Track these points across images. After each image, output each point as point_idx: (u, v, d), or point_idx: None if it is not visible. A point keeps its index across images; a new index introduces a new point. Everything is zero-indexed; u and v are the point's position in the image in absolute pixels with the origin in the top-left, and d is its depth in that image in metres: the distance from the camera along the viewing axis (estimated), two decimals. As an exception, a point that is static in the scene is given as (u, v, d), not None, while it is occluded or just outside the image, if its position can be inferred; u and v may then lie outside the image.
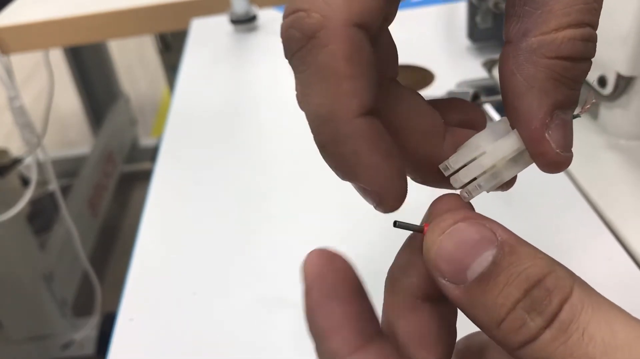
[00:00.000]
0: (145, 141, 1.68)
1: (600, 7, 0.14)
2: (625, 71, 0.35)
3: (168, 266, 0.34)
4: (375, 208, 0.15)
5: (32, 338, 1.04)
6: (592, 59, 0.15)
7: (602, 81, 0.37)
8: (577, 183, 0.36)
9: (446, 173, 0.15)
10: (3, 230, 0.88)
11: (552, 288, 0.12)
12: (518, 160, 0.15)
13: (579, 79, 0.14)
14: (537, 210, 0.34)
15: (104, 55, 1.50)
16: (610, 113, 0.39)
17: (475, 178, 0.15)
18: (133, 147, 1.63)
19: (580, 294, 0.12)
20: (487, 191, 0.15)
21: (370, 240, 0.33)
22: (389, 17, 0.15)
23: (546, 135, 0.14)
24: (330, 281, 0.14)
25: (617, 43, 0.35)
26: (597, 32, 0.14)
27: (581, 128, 0.40)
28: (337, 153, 0.14)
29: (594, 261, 0.30)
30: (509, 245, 0.13)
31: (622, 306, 0.13)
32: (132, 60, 2.30)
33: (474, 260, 0.12)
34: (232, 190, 0.40)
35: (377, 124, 0.14)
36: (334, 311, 0.13)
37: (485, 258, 0.12)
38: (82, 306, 1.13)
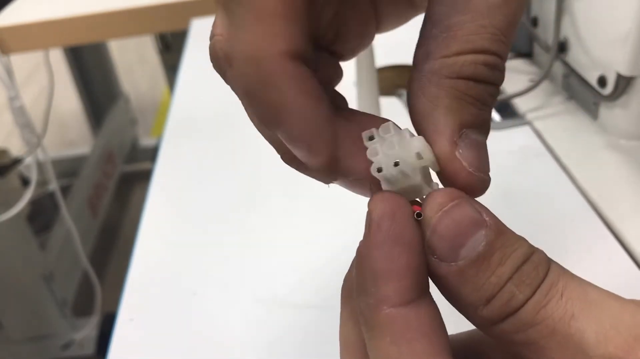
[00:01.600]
0: (145, 141, 1.68)
1: (510, 41, 0.14)
2: (625, 71, 0.35)
3: (168, 266, 0.34)
4: (307, 166, 0.15)
5: (32, 338, 1.04)
6: (502, 86, 0.14)
7: (602, 81, 0.37)
8: (577, 183, 0.36)
9: (368, 144, 0.14)
10: (3, 230, 0.88)
11: (537, 262, 0.13)
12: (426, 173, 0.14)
13: (485, 100, 0.14)
14: (537, 210, 0.34)
15: (104, 55, 1.50)
16: (610, 113, 0.39)
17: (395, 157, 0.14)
18: (133, 146, 1.62)
19: (557, 266, 0.13)
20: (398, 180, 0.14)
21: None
22: None
23: (456, 153, 0.14)
24: (401, 224, 0.13)
25: (617, 43, 0.35)
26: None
27: (581, 128, 0.40)
28: (262, 97, 0.13)
29: (594, 261, 0.30)
30: (498, 226, 0.13)
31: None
32: (132, 60, 2.30)
33: (469, 240, 0.12)
34: (232, 190, 0.40)
35: (307, 71, 0.13)
36: (399, 257, 0.13)
37: (479, 238, 0.12)
38: (82, 306, 1.13)
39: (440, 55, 0.14)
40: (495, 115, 0.43)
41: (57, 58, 1.35)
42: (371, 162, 0.14)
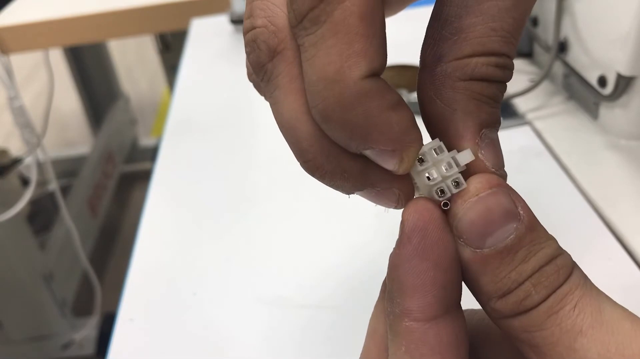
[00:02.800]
0: (145, 141, 1.68)
1: (518, 41, 0.14)
2: (625, 71, 0.35)
3: (168, 266, 0.34)
4: (395, 172, 0.14)
5: (32, 338, 1.04)
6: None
7: (602, 81, 0.37)
8: (577, 183, 0.36)
9: (420, 168, 0.14)
10: (3, 230, 0.88)
11: (560, 266, 0.12)
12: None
13: (498, 98, 0.14)
14: (537, 210, 0.34)
15: (104, 55, 1.49)
16: (610, 113, 0.39)
17: (448, 177, 0.14)
18: (133, 147, 1.62)
19: (579, 273, 0.13)
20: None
21: (369, 239, 0.33)
22: None
23: (480, 155, 0.14)
24: (431, 240, 0.13)
25: (617, 43, 0.35)
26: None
27: (581, 128, 0.40)
28: (346, 118, 0.13)
29: (594, 261, 0.30)
30: (530, 222, 0.13)
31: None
32: (132, 60, 2.30)
33: (498, 229, 0.12)
34: (232, 190, 0.40)
35: (383, 82, 0.13)
36: (426, 272, 0.13)
37: (509, 230, 0.12)
38: (81, 306, 1.13)
39: (452, 57, 0.14)
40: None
41: (57, 58, 1.35)
42: (430, 186, 0.14)
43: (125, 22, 0.73)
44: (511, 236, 0.12)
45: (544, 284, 0.12)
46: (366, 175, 0.14)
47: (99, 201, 1.33)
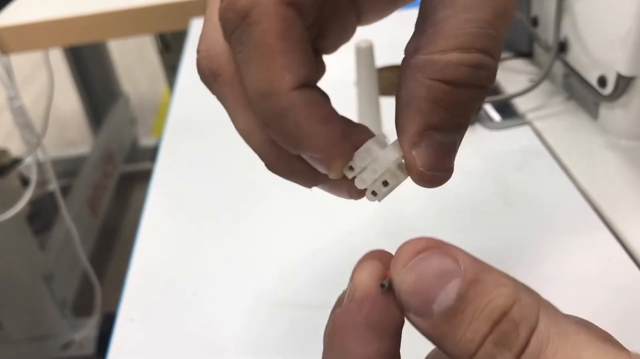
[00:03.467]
0: (145, 141, 1.68)
1: (500, 34, 0.14)
2: (625, 71, 0.35)
3: (168, 266, 0.34)
4: (329, 174, 0.16)
5: (32, 338, 1.04)
6: (491, 86, 0.14)
7: (602, 81, 0.37)
8: (577, 183, 0.36)
9: (349, 175, 0.16)
10: (3, 230, 0.88)
11: (518, 320, 0.11)
12: (404, 168, 0.15)
13: (463, 105, 0.14)
14: (537, 210, 0.34)
15: (104, 55, 1.49)
16: (610, 113, 0.39)
17: (376, 180, 0.16)
18: (133, 147, 1.62)
19: (547, 323, 0.12)
20: (386, 194, 0.16)
21: (369, 240, 0.33)
22: None
23: (413, 152, 0.14)
24: (381, 309, 0.13)
25: (617, 43, 0.35)
26: (495, 59, 0.14)
27: (581, 128, 0.40)
28: (280, 127, 0.14)
29: (594, 261, 0.30)
30: (473, 274, 0.12)
31: (621, 306, 0.12)
32: (132, 60, 2.30)
33: (439, 293, 0.12)
34: (232, 190, 0.40)
35: (315, 94, 0.14)
36: (371, 342, 0.13)
37: (450, 290, 0.12)
38: (82, 306, 1.13)
39: (426, 51, 0.14)
40: (495, 115, 0.43)
41: (57, 58, 1.35)
42: (365, 189, 0.16)
43: (125, 22, 0.73)
44: (454, 296, 0.12)
45: (505, 346, 0.11)
46: (314, 173, 0.16)
47: (99, 201, 1.33)
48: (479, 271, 0.12)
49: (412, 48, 0.14)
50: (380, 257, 0.14)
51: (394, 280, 0.13)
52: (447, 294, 0.12)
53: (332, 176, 0.15)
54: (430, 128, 0.14)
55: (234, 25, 0.14)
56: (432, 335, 0.12)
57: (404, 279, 0.12)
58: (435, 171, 0.15)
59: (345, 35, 0.18)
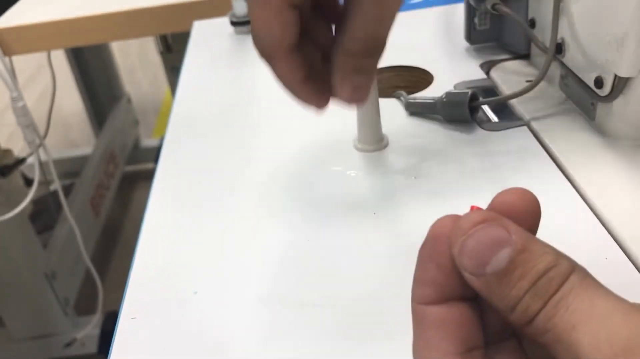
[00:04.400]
0: (147, 141, 1.69)
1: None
2: (622, 72, 0.35)
3: (169, 265, 0.34)
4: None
5: (35, 337, 1.05)
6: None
7: (599, 82, 0.38)
8: (574, 183, 0.36)
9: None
10: (6, 229, 0.89)
11: (553, 277, 0.14)
12: None
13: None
14: (534, 210, 0.34)
15: (106, 56, 1.50)
16: (607, 114, 0.39)
17: None
18: (135, 147, 1.63)
19: (574, 279, 0.14)
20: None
21: (369, 239, 0.34)
22: None
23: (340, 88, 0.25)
24: (439, 249, 0.16)
25: (614, 44, 0.35)
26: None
27: (578, 128, 0.41)
28: (256, 40, 0.24)
29: (591, 261, 0.30)
30: (522, 243, 0.15)
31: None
32: (134, 61, 2.30)
33: (491, 258, 0.15)
34: (233, 189, 0.40)
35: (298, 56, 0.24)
36: (429, 271, 0.17)
37: (503, 256, 0.15)
38: (84, 305, 1.13)
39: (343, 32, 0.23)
40: (492, 116, 0.43)
41: (60, 59, 1.36)
42: None
43: (127, 24, 0.74)
44: (505, 261, 0.14)
45: (538, 295, 0.14)
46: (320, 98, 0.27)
47: (101, 201, 1.34)
48: (527, 242, 0.15)
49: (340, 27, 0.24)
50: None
51: (454, 244, 0.16)
52: (499, 259, 0.15)
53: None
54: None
55: None
56: (483, 291, 0.15)
57: (465, 244, 0.15)
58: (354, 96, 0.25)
59: None
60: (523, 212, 0.16)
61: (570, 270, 0.14)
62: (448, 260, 0.16)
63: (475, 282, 0.15)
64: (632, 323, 0.13)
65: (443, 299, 0.16)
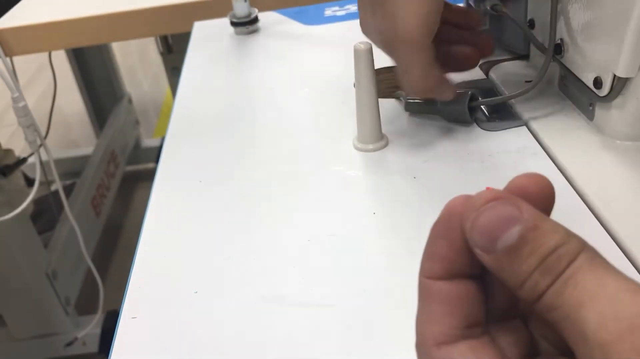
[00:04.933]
0: (148, 141, 1.69)
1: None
2: (620, 72, 0.35)
3: (170, 264, 0.34)
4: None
5: (36, 336, 1.05)
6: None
7: (597, 82, 0.38)
8: (573, 183, 0.36)
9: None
10: (7, 229, 0.89)
11: (562, 255, 0.14)
12: None
13: None
14: (532, 210, 0.35)
15: (107, 56, 1.50)
16: (606, 114, 0.39)
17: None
18: (136, 147, 1.63)
19: (584, 257, 0.14)
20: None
21: (369, 238, 0.34)
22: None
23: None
24: (451, 226, 0.16)
25: (613, 44, 0.35)
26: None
27: (577, 129, 0.41)
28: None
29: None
30: (533, 221, 0.15)
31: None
32: (135, 61, 2.30)
33: (502, 234, 0.15)
34: (233, 189, 0.40)
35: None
36: (440, 246, 0.16)
37: (513, 233, 0.15)
38: (85, 304, 1.14)
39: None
40: (492, 116, 0.44)
41: (61, 59, 1.36)
42: None
43: (128, 25, 0.74)
44: (515, 237, 0.15)
45: (548, 272, 0.14)
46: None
47: (102, 201, 1.34)
48: (538, 220, 0.15)
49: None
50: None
51: (465, 220, 0.16)
52: (510, 235, 0.15)
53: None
54: None
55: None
56: (493, 266, 0.15)
57: (476, 220, 0.15)
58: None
59: None
60: (537, 196, 0.16)
61: (580, 249, 0.14)
62: (459, 237, 0.16)
63: (485, 258, 0.15)
64: (639, 302, 0.13)
65: (450, 275, 0.16)
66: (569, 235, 0.15)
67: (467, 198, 0.16)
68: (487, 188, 0.16)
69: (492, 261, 0.15)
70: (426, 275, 0.17)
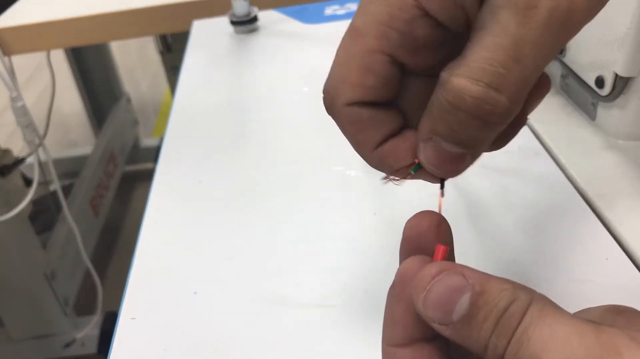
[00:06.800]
0: (147, 141, 1.68)
1: (516, 76, 0.15)
2: (622, 72, 0.35)
3: (169, 265, 0.34)
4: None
5: (34, 337, 1.05)
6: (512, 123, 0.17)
7: (599, 82, 0.38)
8: (575, 183, 0.36)
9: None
10: (5, 229, 0.89)
11: (513, 313, 0.15)
12: None
13: (464, 128, 0.16)
14: (535, 210, 0.34)
15: (106, 55, 1.50)
16: (608, 114, 0.39)
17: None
18: (135, 147, 1.63)
19: (533, 309, 0.15)
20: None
21: (369, 238, 0.34)
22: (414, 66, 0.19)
23: (420, 145, 0.18)
24: (406, 289, 0.17)
25: (615, 44, 0.35)
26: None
27: (579, 128, 0.41)
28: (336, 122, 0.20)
29: (592, 261, 0.30)
30: (480, 286, 0.15)
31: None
32: (134, 60, 2.30)
33: (455, 305, 0.15)
34: (233, 189, 0.40)
35: (364, 113, 0.18)
36: (397, 311, 0.17)
37: (464, 301, 0.15)
38: (83, 305, 1.13)
39: (449, 68, 0.16)
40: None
41: (59, 58, 1.36)
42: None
43: (127, 24, 0.74)
44: (467, 306, 0.15)
45: (503, 333, 0.15)
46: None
47: (100, 201, 1.34)
48: (484, 283, 0.15)
49: (449, 63, 0.16)
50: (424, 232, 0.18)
51: (417, 300, 0.16)
52: (462, 305, 0.15)
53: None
54: (434, 134, 0.17)
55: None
56: (455, 338, 0.16)
57: (427, 298, 0.16)
58: (436, 169, 0.18)
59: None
60: (432, 232, 0.17)
61: (529, 301, 0.15)
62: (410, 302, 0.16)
63: (446, 331, 0.16)
64: (586, 344, 0.14)
65: (412, 340, 0.17)
66: (516, 290, 0.15)
67: (421, 261, 0.17)
68: (438, 246, 0.17)
69: (453, 333, 0.15)
70: (388, 343, 0.17)
